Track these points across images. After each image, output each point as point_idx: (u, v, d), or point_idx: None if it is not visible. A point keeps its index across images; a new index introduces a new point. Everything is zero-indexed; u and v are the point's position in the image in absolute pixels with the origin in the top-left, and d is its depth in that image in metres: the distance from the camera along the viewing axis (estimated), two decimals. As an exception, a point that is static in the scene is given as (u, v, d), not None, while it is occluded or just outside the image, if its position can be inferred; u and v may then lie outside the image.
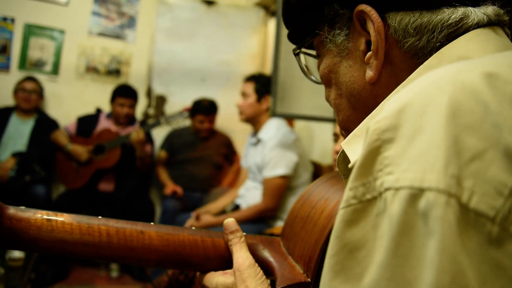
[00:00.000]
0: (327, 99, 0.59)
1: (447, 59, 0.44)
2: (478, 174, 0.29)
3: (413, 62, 0.48)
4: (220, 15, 3.66)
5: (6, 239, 0.55)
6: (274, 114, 2.08)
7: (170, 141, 3.24)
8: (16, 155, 2.79)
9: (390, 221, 0.31)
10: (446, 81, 0.33)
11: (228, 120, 3.53)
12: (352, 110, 0.55)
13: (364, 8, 0.48)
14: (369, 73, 0.50)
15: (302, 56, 0.65)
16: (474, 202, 0.28)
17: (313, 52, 0.63)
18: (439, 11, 0.46)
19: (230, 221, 0.64)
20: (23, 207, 0.58)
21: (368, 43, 0.50)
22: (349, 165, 0.45)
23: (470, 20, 0.46)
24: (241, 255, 0.61)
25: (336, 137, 1.71)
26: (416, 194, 0.30)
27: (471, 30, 0.46)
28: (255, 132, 2.45)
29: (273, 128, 2.34)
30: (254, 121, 2.41)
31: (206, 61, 3.61)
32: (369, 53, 0.49)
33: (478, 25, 0.46)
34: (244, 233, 0.66)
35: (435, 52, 0.46)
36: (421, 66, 0.46)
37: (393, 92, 0.47)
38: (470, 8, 0.46)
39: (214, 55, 3.62)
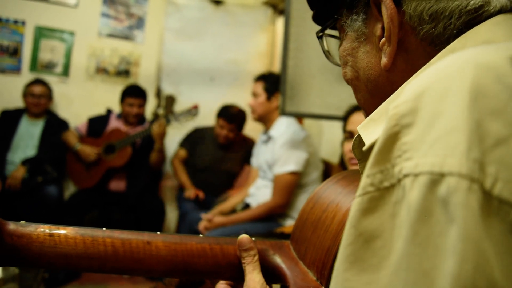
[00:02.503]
0: (344, 78, 0.58)
1: (471, 43, 0.42)
2: (502, 160, 0.27)
3: (430, 49, 0.46)
4: (228, 14, 3.66)
5: (8, 257, 0.53)
6: (283, 113, 2.08)
7: (192, 141, 3.17)
8: (25, 162, 2.82)
9: (409, 208, 0.30)
10: (468, 64, 0.32)
11: (237, 119, 3.53)
12: (369, 95, 0.54)
13: None
14: (384, 60, 0.49)
15: (324, 39, 0.63)
16: (498, 189, 0.27)
17: (336, 33, 0.61)
18: None
19: (244, 238, 0.62)
20: (23, 222, 0.56)
21: (384, 29, 0.49)
22: (364, 148, 0.44)
23: (491, 7, 0.44)
24: (253, 278, 0.59)
25: (348, 135, 1.65)
26: (436, 179, 0.28)
27: (494, 16, 0.44)
28: (266, 130, 2.46)
29: (283, 126, 2.35)
30: (265, 119, 2.43)
31: (215, 61, 3.61)
32: (383, 39, 0.48)
33: (502, 12, 0.44)
34: (253, 238, 0.64)
35: (453, 39, 0.44)
36: (444, 49, 0.44)
37: (413, 76, 0.45)
38: None
39: (223, 54, 3.63)
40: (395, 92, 0.46)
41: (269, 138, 2.38)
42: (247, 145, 3.17)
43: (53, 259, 0.54)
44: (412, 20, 0.46)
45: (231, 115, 2.94)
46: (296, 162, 2.23)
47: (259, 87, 2.40)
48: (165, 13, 3.55)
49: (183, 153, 3.16)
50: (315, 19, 0.62)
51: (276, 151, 2.27)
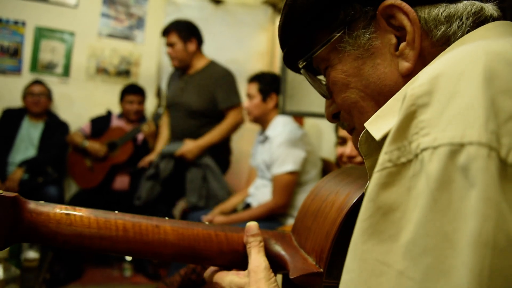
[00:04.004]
0: (344, 104, 0.57)
1: (471, 42, 0.46)
2: None
3: (443, 49, 0.49)
4: (228, 13, 3.67)
5: (27, 233, 0.57)
6: (283, 112, 2.07)
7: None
8: (23, 164, 2.82)
9: (428, 179, 0.32)
10: (479, 51, 0.35)
11: (237, 118, 3.53)
12: None
13: (393, 2, 0.49)
14: (405, 65, 0.50)
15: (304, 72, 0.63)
16: None
17: (309, 74, 0.62)
18: (460, 3, 0.50)
19: (252, 225, 0.65)
20: (42, 202, 0.59)
21: (397, 37, 0.51)
22: (378, 138, 0.45)
23: (487, 11, 0.50)
24: (258, 258, 0.62)
25: (341, 140, 1.67)
26: (456, 149, 0.31)
27: (488, 21, 0.50)
28: (263, 130, 2.45)
29: (279, 125, 2.34)
30: (261, 120, 2.42)
31: (215, 60, 3.61)
32: (403, 44, 0.50)
33: (492, 17, 0.50)
34: None
35: None
36: (447, 48, 0.48)
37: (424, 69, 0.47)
38: (481, 3, 0.51)
39: (222, 53, 3.62)
40: (406, 84, 0.48)
41: (266, 138, 2.38)
42: None
43: (68, 237, 0.58)
44: (427, 24, 0.49)
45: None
46: (294, 162, 2.22)
47: (254, 89, 2.39)
48: (165, 13, 3.55)
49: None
50: (291, 55, 0.62)
51: (274, 151, 2.27)
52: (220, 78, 2.67)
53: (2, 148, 2.92)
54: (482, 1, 0.51)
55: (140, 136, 3.09)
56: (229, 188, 2.65)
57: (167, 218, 0.64)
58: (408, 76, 0.50)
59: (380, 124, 0.46)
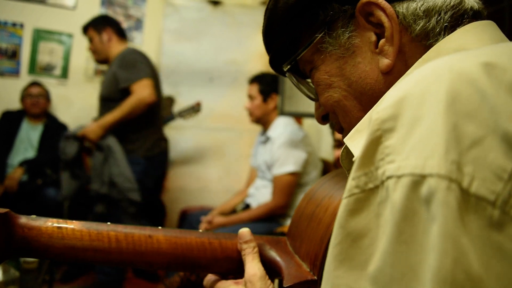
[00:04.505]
0: (327, 103, 0.57)
1: (445, 52, 0.46)
2: (478, 159, 0.29)
3: (422, 45, 0.49)
4: (227, 14, 3.67)
5: (19, 248, 0.57)
6: (282, 112, 2.07)
7: None
8: (23, 163, 2.82)
9: (393, 208, 0.32)
10: (444, 70, 0.34)
11: (236, 119, 3.53)
12: (362, 111, 0.54)
13: None
14: (385, 61, 0.50)
15: (290, 76, 0.63)
16: (475, 187, 0.29)
17: (295, 77, 0.62)
18: None
19: (244, 231, 0.65)
20: (34, 216, 0.59)
21: (377, 34, 0.50)
22: (354, 159, 0.45)
23: (466, 4, 0.49)
24: (253, 266, 0.61)
25: (338, 143, 1.68)
26: (418, 180, 0.30)
27: (468, 15, 0.49)
28: (264, 130, 2.46)
29: (280, 126, 2.35)
30: (263, 121, 2.42)
31: (214, 61, 3.61)
32: (382, 41, 0.49)
33: (473, 10, 0.49)
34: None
35: (444, 33, 0.48)
36: (420, 59, 0.47)
37: (395, 83, 0.47)
38: None
39: (222, 54, 3.63)
40: (379, 101, 0.47)
41: (267, 139, 2.38)
42: None
43: (61, 250, 0.58)
44: (406, 19, 0.49)
45: None
46: (295, 163, 2.23)
47: (254, 90, 2.40)
48: (163, 14, 3.55)
49: None
50: (276, 59, 0.62)
51: (275, 151, 2.27)
52: (121, 58, 2.46)
53: (1, 150, 2.92)
54: None
55: None
56: (132, 176, 2.34)
57: (160, 227, 0.64)
58: (388, 73, 0.50)
59: (358, 139, 0.46)
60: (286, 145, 2.25)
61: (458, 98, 0.31)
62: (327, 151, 2.84)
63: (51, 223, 0.58)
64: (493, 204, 0.29)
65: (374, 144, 0.35)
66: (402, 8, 0.49)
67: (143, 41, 3.53)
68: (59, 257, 0.58)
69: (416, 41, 0.49)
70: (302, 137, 2.32)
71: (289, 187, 2.24)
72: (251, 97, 2.42)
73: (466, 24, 0.49)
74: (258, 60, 3.73)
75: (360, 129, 0.47)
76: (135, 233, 0.61)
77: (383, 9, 0.48)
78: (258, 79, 2.42)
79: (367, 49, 0.51)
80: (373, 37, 0.50)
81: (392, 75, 0.50)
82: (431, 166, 0.30)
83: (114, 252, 0.59)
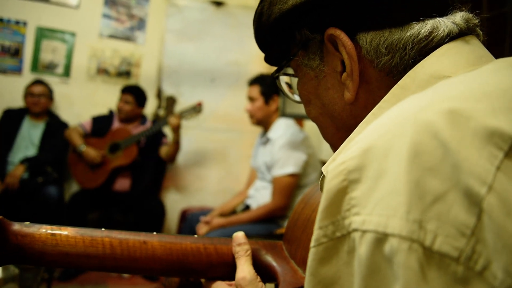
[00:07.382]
0: (308, 115, 0.59)
1: (420, 77, 0.44)
2: (441, 216, 0.29)
3: (389, 79, 0.48)
4: (229, 15, 3.67)
5: (13, 255, 0.56)
6: (284, 114, 2.08)
7: None
8: (24, 161, 2.83)
9: (359, 262, 0.32)
10: (408, 121, 0.34)
11: (237, 120, 3.53)
12: (335, 129, 0.55)
13: (333, 32, 0.48)
14: (347, 94, 0.50)
15: (281, 78, 0.65)
16: (438, 244, 0.29)
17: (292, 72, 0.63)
18: (408, 27, 0.46)
19: (238, 234, 0.65)
20: (27, 223, 0.59)
21: (344, 64, 0.49)
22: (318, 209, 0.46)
23: (440, 32, 0.46)
24: (243, 269, 0.61)
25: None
26: (381, 238, 0.31)
27: (444, 42, 0.46)
28: (265, 132, 2.46)
29: (281, 127, 2.35)
30: (264, 122, 2.42)
31: (216, 62, 3.62)
32: (344, 74, 0.49)
33: (450, 35, 0.46)
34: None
35: (409, 69, 0.46)
36: (395, 86, 0.46)
37: (369, 114, 0.47)
38: (438, 19, 0.46)
39: (224, 55, 3.63)
40: (354, 131, 0.47)
41: (267, 140, 2.38)
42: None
43: (55, 257, 0.57)
44: (369, 53, 0.47)
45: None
46: (295, 164, 2.23)
47: (255, 91, 2.39)
48: (166, 15, 3.56)
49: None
50: (268, 60, 0.63)
51: (275, 153, 2.27)
52: None
53: (3, 147, 2.92)
54: (442, 14, 0.47)
55: (143, 139, 3.06)
56: None
57: (155, 233, 0.64)
58: (353, 103, 0.50)
59: None
60: (287, 146, 2.25)
61: (421, 152, 0.31)
62: (328, 153, 2.84)
63: (44, 230, 0.58)
64: (456, 260, 0.28)
65: (340, 194, 0.35)
66: (365, 42, 0.47)
67: (146, 41, 3.54)
68: (53, 264, 0.58)
69: (383, 74, 0.48)
70: (303, 138, 2.33)
71: (289, 188, 2.24)
72: (251, 99, 2.41)
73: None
74: (260, 61, 3.74)
75: (336, 158, 0.47)
76: (130, 239, 0.61)
77: (343, 45, 0.48)
78: (259, 81, 2.41)
79: (334, 77, 0.51)
80: (339, 67, 0.50)
81: (357, 106, 0.50)
82: (393, 227, 0.30)
83: (108, 258, 0.59)
